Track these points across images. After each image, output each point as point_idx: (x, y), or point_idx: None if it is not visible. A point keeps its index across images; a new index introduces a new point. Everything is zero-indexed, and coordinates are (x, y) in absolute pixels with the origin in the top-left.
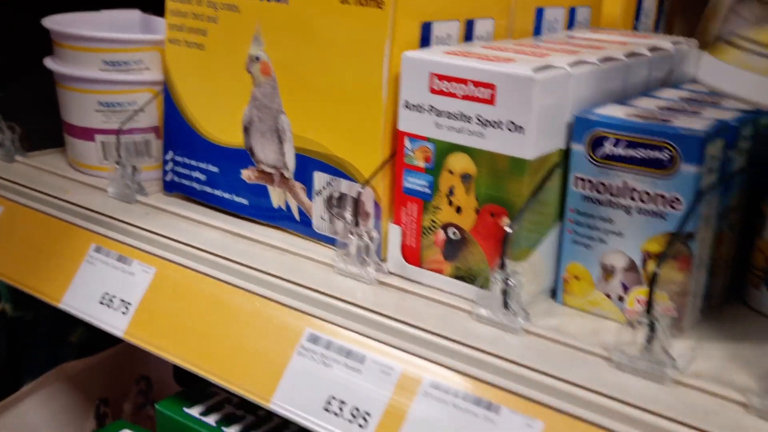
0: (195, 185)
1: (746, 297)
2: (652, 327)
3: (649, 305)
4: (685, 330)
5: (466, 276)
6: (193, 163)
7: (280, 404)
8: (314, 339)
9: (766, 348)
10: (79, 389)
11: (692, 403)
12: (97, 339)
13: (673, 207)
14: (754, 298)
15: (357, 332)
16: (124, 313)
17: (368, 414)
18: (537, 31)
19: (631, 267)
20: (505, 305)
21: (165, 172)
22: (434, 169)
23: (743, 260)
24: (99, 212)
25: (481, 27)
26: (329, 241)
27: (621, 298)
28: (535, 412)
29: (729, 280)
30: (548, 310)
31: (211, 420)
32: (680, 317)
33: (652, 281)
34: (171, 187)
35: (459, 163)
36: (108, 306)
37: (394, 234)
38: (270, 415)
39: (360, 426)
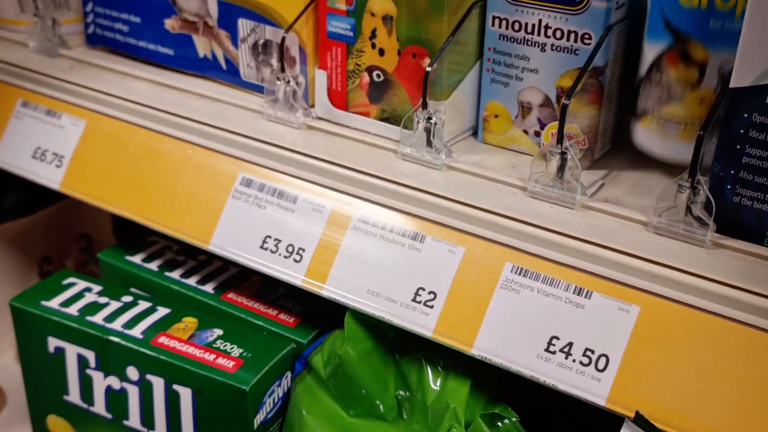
0: (118, 37)
1: None
2: (563, 157)
3: (560, 136)
4: (596, 161)
5: (391, 117)
6: (115, 14)
7: (219, 245)
8: (248, 182)
9: (668, 176)
10: (20, 249)
11: (598, 225)
12: (32, 202)
13: (584, 43)
14: None
15: (288, 174)
16: (58, 166)
17: (303, 249)
18: None
19: (547, 103)
20: (428, 143)
21: (87, 25)
22: (356, 11)
23: None
24: (22, 67)
25: None
26: (257, 88)
27: (537, 134)
28: (458, 240)
29: None
30: (470, 147)
31: (153, 266)
32: (592, 149)
33: (562, 113)
34: (94, 40)
35: (380, 4)
36: (41, 160)
37: (321, 79)
38: (210, 258)
39: (296, 261)
